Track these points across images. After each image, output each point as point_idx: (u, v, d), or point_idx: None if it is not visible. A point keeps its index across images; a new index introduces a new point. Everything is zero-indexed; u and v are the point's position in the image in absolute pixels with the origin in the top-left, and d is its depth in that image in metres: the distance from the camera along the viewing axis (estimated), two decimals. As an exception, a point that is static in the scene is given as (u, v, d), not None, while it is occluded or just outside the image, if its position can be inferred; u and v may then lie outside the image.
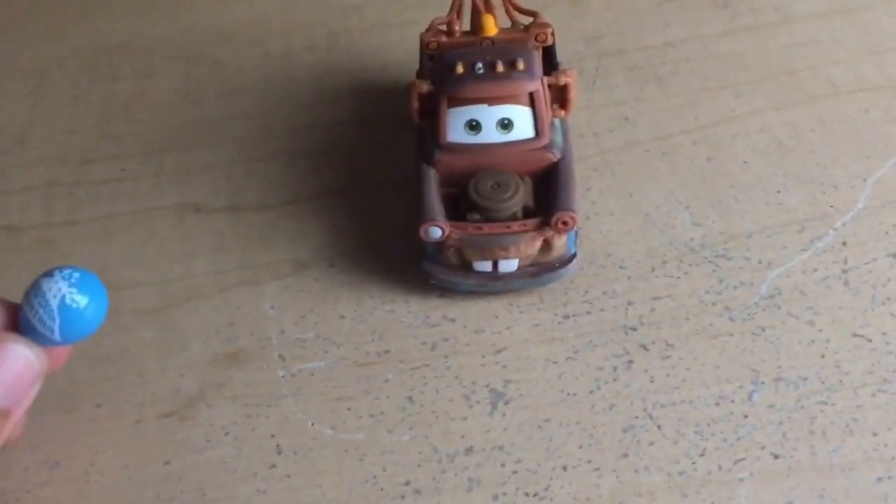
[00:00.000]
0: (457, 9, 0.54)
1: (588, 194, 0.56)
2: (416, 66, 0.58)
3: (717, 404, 0.47)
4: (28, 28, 0.70)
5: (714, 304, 0.51)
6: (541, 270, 0.51)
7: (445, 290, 0.52)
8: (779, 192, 0.56)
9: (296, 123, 0.62)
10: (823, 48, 0.63)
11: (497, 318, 0.51)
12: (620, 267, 0.53)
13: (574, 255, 0.52)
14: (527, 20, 0.55)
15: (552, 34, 0.55)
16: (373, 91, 0.63)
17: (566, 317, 0.51)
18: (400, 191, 0.57)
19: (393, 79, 0.63)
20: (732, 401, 0.48)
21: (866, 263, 0.52)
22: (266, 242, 0.56)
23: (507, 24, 0.55)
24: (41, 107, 0.65)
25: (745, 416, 0.47)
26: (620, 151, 0.59)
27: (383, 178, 0.58)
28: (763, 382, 0.48)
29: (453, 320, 0.52)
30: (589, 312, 0.51)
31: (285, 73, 0.65)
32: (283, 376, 0.50)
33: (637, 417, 0.47)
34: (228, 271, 0.54)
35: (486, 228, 0.50)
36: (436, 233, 0.50)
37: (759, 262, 0.53)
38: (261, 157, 0.60)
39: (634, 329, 0.50)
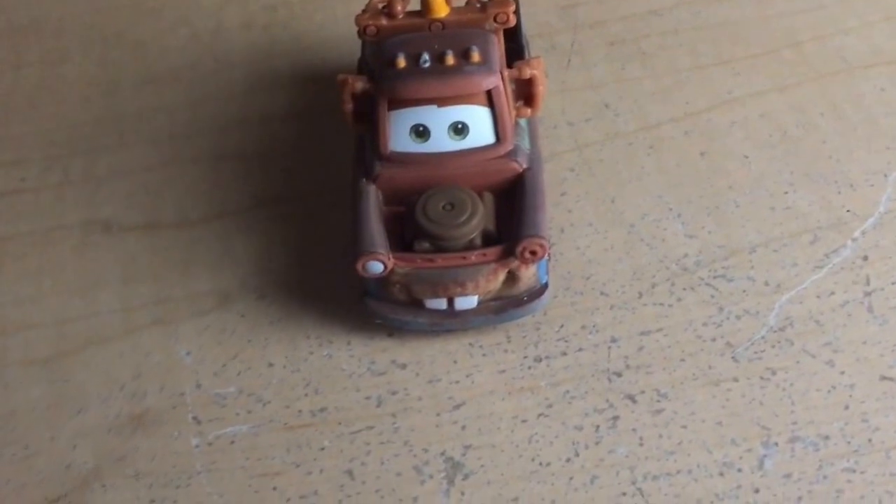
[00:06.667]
0: (402, -18, 0.42)
1: (563, 200, 0.45)
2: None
3: (721, 474, 0.37)
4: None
5: (714, 339, 0.40)
6: (506, 306, 0.40)
7: (394, 328, 0.41)
8: (786, 193, 0.45)
9: (227, 118, 0.50)
10: (830, 14, 0.52)
11: (456, 362, 0.41)
12: (602, 293, 0.42)
13: (546, 286, 0.41)
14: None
15: (516, 13, 0.42)
16: (315, 77, 0.51)
17: (538, 359, 0.40)
18: (346, 201, 0.45)
19: (339, 62, 0.51)
20: (740, 469, 0.37)
21: (893, 283, 0.41)
22: (185, 269, 0.44)
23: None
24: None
25: (757, 491, 0.36)
26: (600, 146, 0.47)
27: (327, 185, 0.47)
28: (776, 444, 0.37)
29: (404, 366, 0.41)
30: (565, 353, 0.40)
31: (216, 57, 0.53)
32: (197, 446, 0.39)
33: (625, 494, 0.37)
34: (138, 307, 0.43)
35: (438, 260, 0.39)
36: (376, 268, 0.39)
37: (766, 283, 0.42)
38: (184, 160, 0.48)
39: (619, 374, 0.40)
